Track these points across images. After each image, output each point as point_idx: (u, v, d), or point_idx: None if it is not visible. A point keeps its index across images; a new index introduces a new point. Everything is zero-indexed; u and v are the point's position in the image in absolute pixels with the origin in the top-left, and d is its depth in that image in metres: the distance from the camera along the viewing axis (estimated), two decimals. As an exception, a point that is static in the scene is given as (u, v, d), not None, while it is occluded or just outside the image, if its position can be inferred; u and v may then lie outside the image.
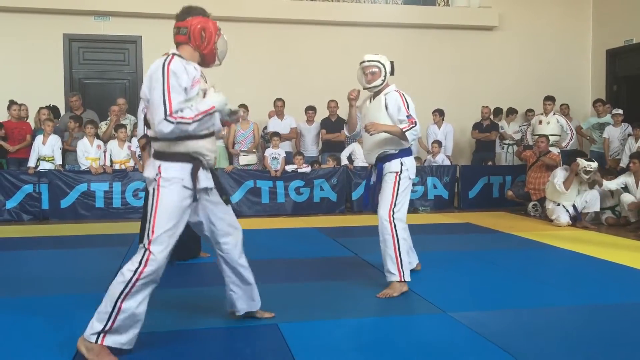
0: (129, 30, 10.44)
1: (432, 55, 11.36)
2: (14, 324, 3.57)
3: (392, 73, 4.43)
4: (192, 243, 5.16)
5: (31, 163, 8.39)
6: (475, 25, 11.52)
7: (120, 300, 2.92)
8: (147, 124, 4.56)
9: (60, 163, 8.57)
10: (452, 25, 11.39)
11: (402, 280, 4.19)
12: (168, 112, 2.88)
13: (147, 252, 2.95)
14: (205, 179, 3.15)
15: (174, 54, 3.04)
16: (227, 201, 3.35)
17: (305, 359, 3.02)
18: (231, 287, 3.48)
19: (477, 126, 10.51)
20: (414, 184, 9.27)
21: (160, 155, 3.06)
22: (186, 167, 3.05)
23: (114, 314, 2.92)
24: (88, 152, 8.55)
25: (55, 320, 3.64)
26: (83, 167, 8.51)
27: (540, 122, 9.47)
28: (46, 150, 8.47)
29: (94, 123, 8.76)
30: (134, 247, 5.65)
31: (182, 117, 2.90)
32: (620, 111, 9.62)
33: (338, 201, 9.12)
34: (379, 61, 4.37)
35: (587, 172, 7.53)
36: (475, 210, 9.23)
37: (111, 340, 2.94)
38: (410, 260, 4.62)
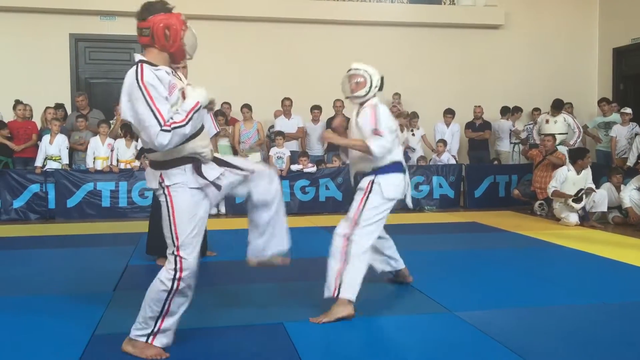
0: (135, 30, 10.38)
1: (438, 54, 11.34)
2: (21, 323, 3.59)
3: (380, 88, 4.07)
4: None
5: (38, 162, 8.42)
6: (481, 24, 11.48)
7: (167, 306, 3.00)
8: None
9: (67, 162, 8.61)
10: (458, 24, 11.37)
11: (342, 299, 3.68)
12: (162, 123, 2.78)
13: (178, 258, 2.97)
14: (212, 170, 3.07)
15: (141, 62, 2.90)
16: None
17: (311, 358, 3.02)
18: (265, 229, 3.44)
19: (470, 125, 10.55)
20: (419, 183, 9.30)
21: (159, 165, 3.02)
22: (187, 169, 3.00)
23: (160, 318, 3.02)
24: (98, 151, 8.59)
25: (63, 318, 3.66)
26: (90, 165, 8.55)
27: (547, 120, 9.45)
28: (53, 149, 8.50)
29: (106, 122, 8.80)
30: (140, 246, 5.68)
31: (175, 122, 2.81)
32: (629, 110, 9.57)
33: (344, 200, 9.10)
34: (366, 71, 4.04)
35: (577, 201, 7.57)
36: (481, 209, 9.21)
37: (158, 342, 3.07)
38: (397, 266, 4.43)
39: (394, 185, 3.94)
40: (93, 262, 5.41)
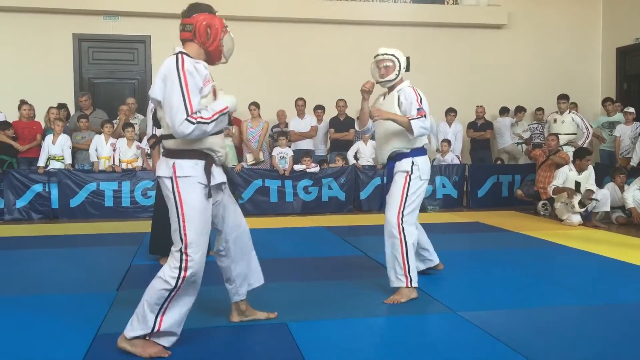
0: (138, 30, 10.48)
1: (441, 54, 11.32)
2: (25, 322, 3.59)
3: (407, 69, 4.28)
4: None
5: (41, 162, 8.44)
6: (484, 24, 11.46)
7: (165, 306, 2.97)
8: (156, 124, 4.56)
9: (70, 162, 8.62)
10: (461, 23, 11.35)
11: (410, 286, 4.03)
12: (189, 113, 2.86)
13: (185, 256, 2.95)
14: (219, 174, 3.17)
15: (182, 53, 3.02)
16: (238, 196, 3.37)
17: (314, 358, 3.02)
18: (234, 278, 3.48)
19: (471, 125, 10.55)
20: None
21: (174, 153, 3.04)
22: (200, 164, 3.04)
23: (159, 318, 2.97)
24: (101, 150, 8.61)
25: (66, 318, 3.66)
26: (92, 161, 8.59)
27: (555, 120, 9.36)
28: (56, 149, 8.52)
29: (110, 122, 8.83)
30: (143, 246, 5.68)
31: (202, 117, 2.88)
32: (632, 109, 9.54)
33: (346, 200, 9.12)
34: (393, 55, 4.22)
35: (580, 205, 7.54)
36: (484, 209, 9.20)
37: (159, 341, 3.03)
38: (432, 258, 4.61)
39: (428, 167, 4.21)
40: (96, 262, 5.42)
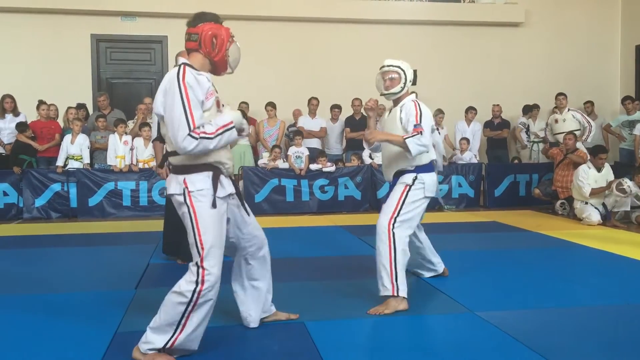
0: (155, 30, 10.55)
1: (458, 53, 11.27)
2: (44, 321, 3.62)
3: (413, 82, 4.12)
4: None
5: (60, 162, 8.53)
6: (501, 22, 11.40)
7: (184, 320, 2.91)
8: (159, 138, 4.62)
9: (89, 162, 8.71)
10: (478, 22, 11.29)
11: (396, 295, 3.78)
12: (192, 128, 2.80)
13: (202, 270, 2.91)
14: (228, 185, 3.11)
15: (184, 65, 2.97)
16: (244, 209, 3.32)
17: (332, 357, 3.01)
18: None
19: (488, 124, 10.49)
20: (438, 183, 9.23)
21: (182, 169, 3.00)
22: (210, 176, 2.99)
23: (176, 333, 2.92)
24: (117, 149, 8.69)
25: (85, 316, 3.69)
26: (111, 164, 8.66)
27: (556, 120, 9.41)
28: (74, 149, 8.61)
29: (123, 121, 8.89)
30: (161, 245, 5.72)
31: (204, 132, 2.83)
32: (651, 107, 9.44)
33: (362, 199, 9.11)
34: (399, 67, 4.03)
35: (622, 192, 7.42)
36: (502, 208, 9.14)
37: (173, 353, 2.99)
38: (435, 263, 4.56)
39: (433, 183, 4.04)
40: (114, 261, 5.46)
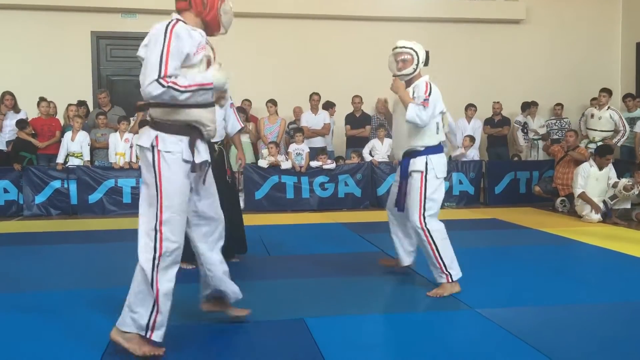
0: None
1: (459, 50, 11.24)
2: (45, 318, 3.63)
3: (426, 63, 4.22)
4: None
5: (60, 159, 8.52)
6: (501, 19, 11.37)
7: (155, 292, 2.83)
8: None
9: (89, 159, 8.70)
10: (479, 19, 11.27)
11: (451, 281, 4.06)
12: (162, 74, 2.71)
13: (159, 235, 2.81)
14: (205, 152, 2.99)
15: (177, 20, 2.89)
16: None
17: (331, 354, 3.01)
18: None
19: (488, 122, 10.46)
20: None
21: (158, 125, 2.89)
22: (184, 140, 2.88)
23: (153, 312, 2.85)
24: (117, 146, 8.69)
25: (86, 313, 3.70)
26: (112, 161, 8.66)
27: (592, 115, 9.07)
28: (75, 146, 8.61)
29: (126, 119, 8.89)
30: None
31: (174, 83, 2.72)
32: (652, 105, 9.40)
33: (363, 196, 9.11)
34: (412, 48, 4.15)
35: (626, 190, 7.42)
36: (502, 205, 9.13)
37: (156, 337, 2.90)
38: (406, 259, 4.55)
39: (443, 164, 4.16)
40: (115, 257, 5.45)
